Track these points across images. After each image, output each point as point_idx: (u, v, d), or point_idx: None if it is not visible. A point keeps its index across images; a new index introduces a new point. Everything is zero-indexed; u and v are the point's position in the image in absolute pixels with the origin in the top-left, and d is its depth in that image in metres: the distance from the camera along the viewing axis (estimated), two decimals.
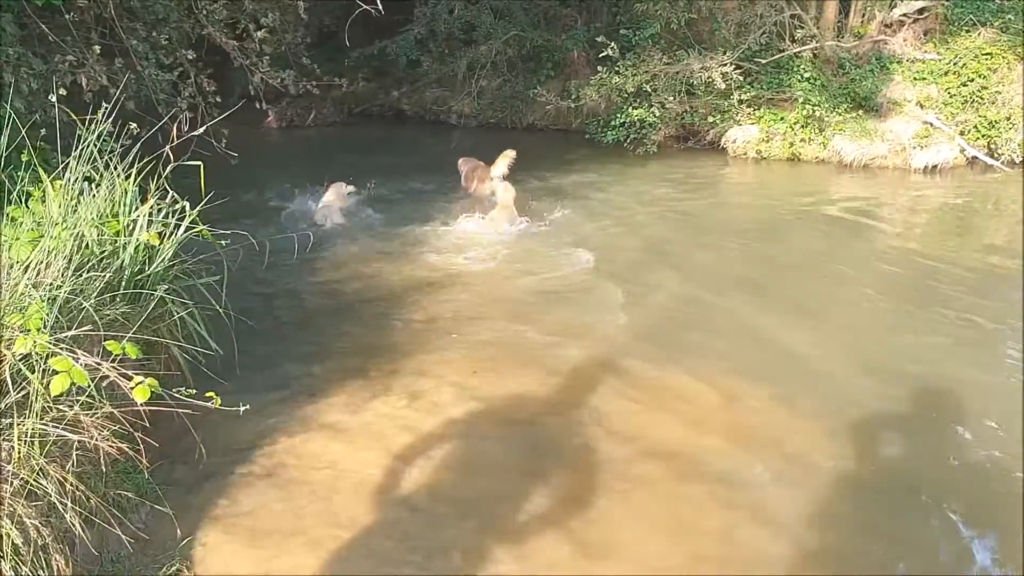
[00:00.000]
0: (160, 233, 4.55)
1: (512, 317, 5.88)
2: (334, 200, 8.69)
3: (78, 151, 4.50)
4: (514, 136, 13.86)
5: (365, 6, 6.41)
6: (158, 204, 4.62)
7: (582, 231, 8.06)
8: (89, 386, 3.28)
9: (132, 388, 3.37)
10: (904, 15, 11.73)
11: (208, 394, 3.56)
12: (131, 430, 3.65)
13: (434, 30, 14.42)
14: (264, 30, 7.50)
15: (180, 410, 3.53)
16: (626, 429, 4.40)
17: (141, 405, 3.41)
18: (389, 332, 5.67)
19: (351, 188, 8.93)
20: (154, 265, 4.41)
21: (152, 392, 3.36)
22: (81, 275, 3.80)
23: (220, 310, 4.75)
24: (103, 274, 3.89)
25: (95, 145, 4.58)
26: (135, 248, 4.36)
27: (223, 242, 4.88)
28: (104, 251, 4.05)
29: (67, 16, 6.15)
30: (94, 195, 4.32)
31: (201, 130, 5.10)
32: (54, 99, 5.20)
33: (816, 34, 11.62)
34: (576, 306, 6.13)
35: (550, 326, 5.69)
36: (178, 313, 4.42)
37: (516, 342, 5.46)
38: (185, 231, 4.71)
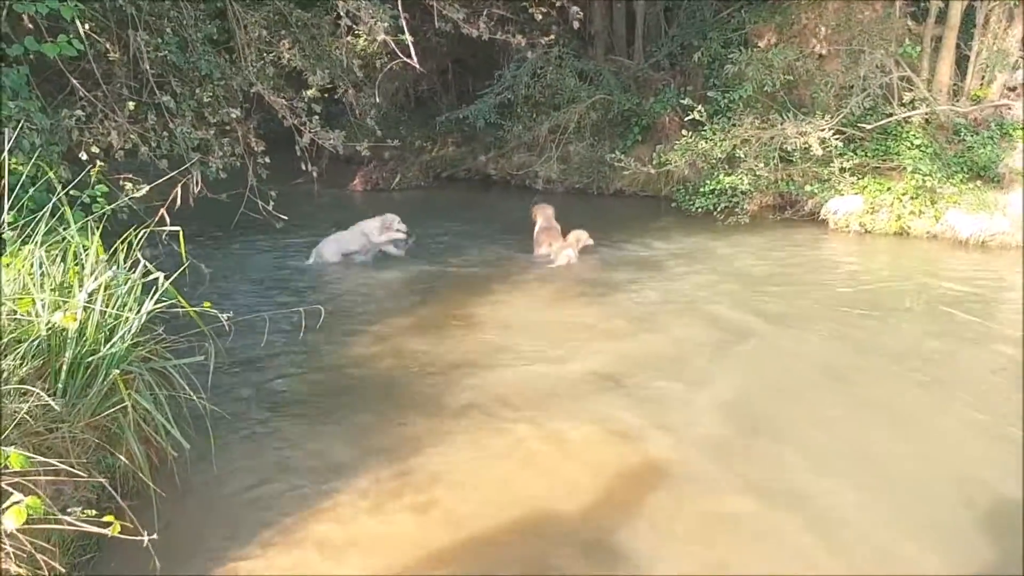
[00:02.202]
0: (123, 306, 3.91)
1: (549, 406, 5.15)
2: (375, 230, 8.68)
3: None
4: (599, 202, 13.47)
5: (403, 58, 5.80)
6: (126, 275, 4.00)
7: (650, 305, 7.41)
8: None
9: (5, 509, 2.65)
10: None
11: (107, 518, 2.81)
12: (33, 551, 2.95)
13: (516, 93, 13.94)
14: (313, 88, 7.03)
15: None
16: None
17: (17, 529, 2.69)
18: (403, 423, 4.97)
19: (401, 230, 8.85)
20: (108, 345, 3.75)
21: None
22: None
23: (195, 397, 4.10)
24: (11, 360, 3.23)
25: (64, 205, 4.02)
26: (91, 326, 3.72)
27: (224, 315, 4.25)
28: (15, 331, 3.38)
29: (96, 71, 5.76)
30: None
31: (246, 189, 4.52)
32: (84, 156, 4.72)
33: (928, 97, 10.48)
34: (626, 397, 5.30)
35: (598, 419, 5.01)
36: (132, 400, 3.73)
37: (554, 437, 4.77)
38: (161, 302, 4.09)
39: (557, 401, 5.21)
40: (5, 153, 4.51)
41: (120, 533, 2.83)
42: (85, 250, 4.02)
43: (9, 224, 4.15)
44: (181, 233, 4.38)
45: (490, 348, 6.23)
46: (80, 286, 3.78)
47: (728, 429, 4.82)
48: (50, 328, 3.51)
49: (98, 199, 4.77)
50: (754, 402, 5.22)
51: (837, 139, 10.47)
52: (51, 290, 3.66)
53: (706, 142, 10.87)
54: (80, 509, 2.85)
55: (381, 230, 8.72)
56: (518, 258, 9.43)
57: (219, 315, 4.12)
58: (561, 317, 7.12)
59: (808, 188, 11.02)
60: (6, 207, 4.02)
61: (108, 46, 5.89)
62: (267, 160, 7.27)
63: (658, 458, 4.47)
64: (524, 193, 14.16)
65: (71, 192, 4.22)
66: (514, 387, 5.43)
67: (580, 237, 9.27)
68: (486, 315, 7.13)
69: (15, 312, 3.43)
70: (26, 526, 2.80)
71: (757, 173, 10.98)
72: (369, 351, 6.22)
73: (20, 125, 4.85)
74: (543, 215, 9.70)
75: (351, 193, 14.83)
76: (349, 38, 7.73)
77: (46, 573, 2.99)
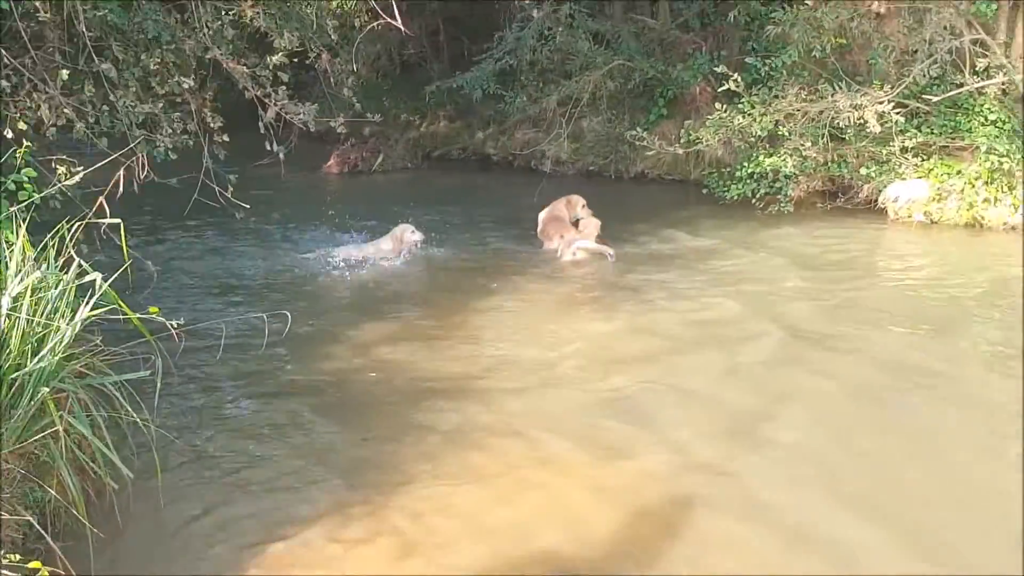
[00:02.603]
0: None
1: (551, 431, 5.16)
2: (391, 248, 9.02)
3: None
4: (617, 188, 13.54)
5: (385, 17, 5.80)
6: (58, 276, 3.99)
7: (673, 312, 7.41)
8: None
9: None
10: None
11: (32, 564, 2.82)
12: None
13: (519, 59, 13.94)
14: (280, 54, 7.02)
15: None
16: None
17: None
18: (370, 438, 5.08)
19: (417, 236, 9.10)
20: (36, 359, 3.74)
21: None
22: None
23: (139, 419, 4.11)
24: None
25: None
26: (15, 337, 3.72)
27: (174, 323, 4.26)
28: None
29: (23, 34, 5.76)
30: None
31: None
32: (9, 133, 4.76)
33: (1005, 64, 10.43)
34: (639, 419, 5.31)
35: (606, 445, 5.02)
36: (64, 424, 3.73)
37: (561, 461, 4.83)
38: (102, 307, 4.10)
39: (561, 426, 5.22)
40: None
41: None
42: (9, 246, 4.02)
43: None
44: (123, 226, 4.37)
45: (486, 362, 6.26)
46: (2, 289, 3.78)
47: (769, 465, 4.80)
48: None
49: (25, 185, 4.77)
50: (810, 445, 5.10)
51: (898, 113, 10.42)
52: None
53: (743, 117, 10.82)
54: (2, 553, 2.85)
55: (397, 248, 9.04)
56: (521, 254, 9.48)
57: (167, 323, 4.12)
58: (569, 326, 7.12)
59: (864, 171, 10.97)
60: None
61: (38, 4, 5.89)
62: (225, 138, 7.27)
63: (680, 495, 4.48)
64: (529, 177, 14.13)
65: None
66: (513, 409, 5.44)
67: (597, 223, 9.44)
68: (482, 323, 7.15)
69: None
70: None
71: (803, 153, 10.95)
72: (345, 364, 6.24)
73: None
74: (553, 211, 9.81)
75: (325, 176, 14.91)
76: None
77: None
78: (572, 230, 9.52)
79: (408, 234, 9.08)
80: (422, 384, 5.82)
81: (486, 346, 6.61)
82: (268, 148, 7.34)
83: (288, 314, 5.40)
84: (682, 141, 11.68)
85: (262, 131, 7.22)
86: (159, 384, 4.24)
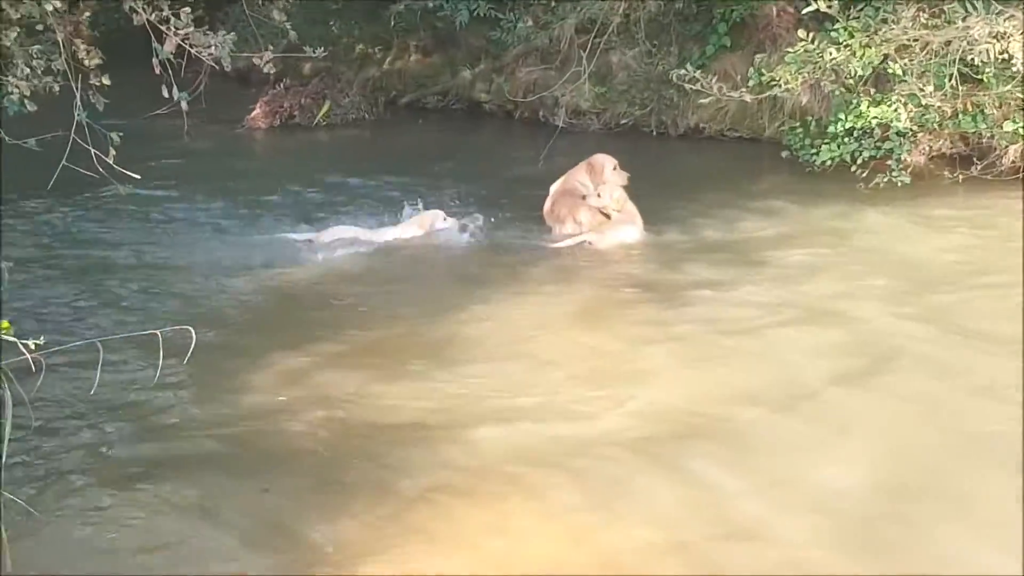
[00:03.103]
0: None
1: (559, 490, 5.17)
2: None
3: None
4: (661, 149, 13.71)
5: None
6: None
7: (736, 324, 7.40)
8: None
9: None
10: None
11: None
12: None
13: None
14: None
15: None
16: None
17: None
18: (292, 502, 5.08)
19: (447, 223, 9.54)
20: None
21: None
22: None
23: None
24: None
25: None
26: None
27: (30, 342, 4.30)
28: None
29: None
30: None
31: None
32: None
33: None
34: (675, 470, 5.31)
35: (646, 497, 5.13)
36: None
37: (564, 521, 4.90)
38: None
39: (562, 472, 5.26)
40: None
41: None
42: None
43: None
44: None
45: (471, 392, 6.28)
46: None
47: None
48: None
49: None
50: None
51: None
52: None
53: (838, 49, 10.83)
54: None
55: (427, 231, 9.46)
56: (522, 243, 9.53)
57: (20, 343, 4.13)
58: (585, 343, 7.18)
59: (1010, 126, 10.97)
60: None
61: None
62: (106, 81, 7.23)
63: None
64: (535, 132, 14.24)
65: None
66: (504, 457, 5.46)
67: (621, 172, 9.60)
68: (467, 337, 7.20)
69: None
70: None
71: (923, 102, 10.91)
72: (273, 397, 6.26)
73: None
74: (586, 175, 9.85)
75: (248, 132, 14.98)
76: None
77: None
78: (591, 209, 9.53)
79: (439, 222, 9.41)
80: (378, 423, 5.88)
81: (471, 368, 6.65)
82: (168, 96, 7.32)
83: (191, 330, 5.39)
84: (751, 84, 11.69)
85: (157, 71, 7.21)
86: (6, 430, 4.24)
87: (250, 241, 9.17)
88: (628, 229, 9.27)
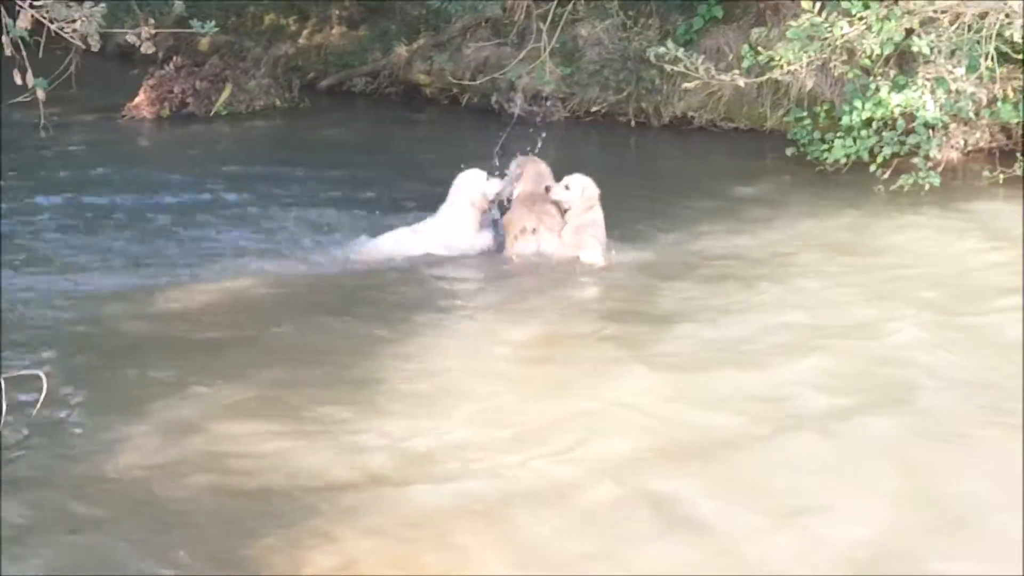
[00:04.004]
0: None
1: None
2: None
3: None
4: (641, 143, 14.12)
5: None
6: None
7: (727, 357, 7.50)
8: None
9: None
10: None
11: None
12: None
13: None
14: None
15: None
16: None
17: None
18: None
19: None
20: None
21: None
22: None
23: None
24: None
25: None
26: None
27: None
28: None
29: None
30: None
31: None
32: None
33: None
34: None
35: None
36: None
37: None
38: None
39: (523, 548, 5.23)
40: None
41: None
42: None
43: None
44: None
45: (398, 447, 6.20)
46: None
47: None
48: None
49: None
50: None
51: None
52: None
53: (851, 23, 10.90)
54: None
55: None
56: (471, 259, 9.55)
57: None
58: (544, 387, 7.16)
59: None
60: None
61: None
62: None
63: None
64: (487, 122, 14.25)
65: None
66: (438, 522, 5.41)
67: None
68: (402, 377, 7.14)
69: None
70: None
71: (954, 87, 10.98)
72: (149, 457, 6.12)
73: None
74: (531, 174, 9.85)
75: (129, 123, 14.96)
76: None
77: None
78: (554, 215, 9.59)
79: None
80: (282, 486, 5.79)
81: (409, 423, 6.58)
82: (20, 82, 7.24)
83: (42, 375, 5.31)
84: (745, 64, 11.73)
85: (7, 52, 7.13)
86: None
87: (124, 259, 9.06)
88: (591, 245, 9.29)
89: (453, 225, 9.37)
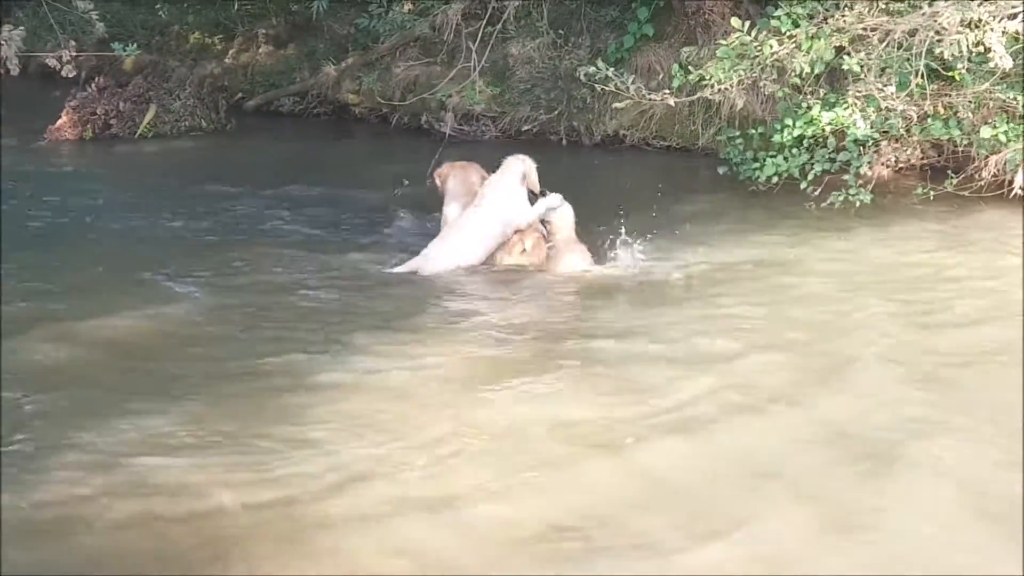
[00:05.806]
0: None
1: None
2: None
3: None
4: (572, 162, 14.04)
5: None
6: None
7: (658, 384, 7.26)
8: None
9: None
10: None
11: None
12: None
13: None
14: None
15: None
16: None
17: None
18: None
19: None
20: None
21: None
22: None
23: None
24: None
25: None
26: None
27: None
28: None
29: None
30: None
31: None
32: None
33: None
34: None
35: None
36: None
37: None
38: None
39: None
40: None
41: None
42: None
43: None
44: None
45: (341, 478, 6.07)
46: None
47: None
48: None
49: None
50: None
51: None
52: None
53: (780, 42, 10.96)
54: None
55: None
56: (399, 282, 9.48)
57: None
58: (479, 414, 7.03)
59: (987, 132, 11.12)
60: None
61: None
62: None
63: None
64: (418, 141, 14.25)
65: None
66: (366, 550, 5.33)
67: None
68: (324, 415, 6.97)
69: None
70: None
71: (884, 104, 11.03)
72: (69, 489, 5.94)
73: None
74: (459, 178, 10.01)
75: (51, 146, 14.72)
76: None
77: None
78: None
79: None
80: (214, 522, 5.63)
81: (332, 457, 6.40)
82: None
83: None
84: (675, 83, 11.72)
85: None
86: None
87: (45, 284, 9.06)
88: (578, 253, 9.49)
89: (508, 202, 9.52)
